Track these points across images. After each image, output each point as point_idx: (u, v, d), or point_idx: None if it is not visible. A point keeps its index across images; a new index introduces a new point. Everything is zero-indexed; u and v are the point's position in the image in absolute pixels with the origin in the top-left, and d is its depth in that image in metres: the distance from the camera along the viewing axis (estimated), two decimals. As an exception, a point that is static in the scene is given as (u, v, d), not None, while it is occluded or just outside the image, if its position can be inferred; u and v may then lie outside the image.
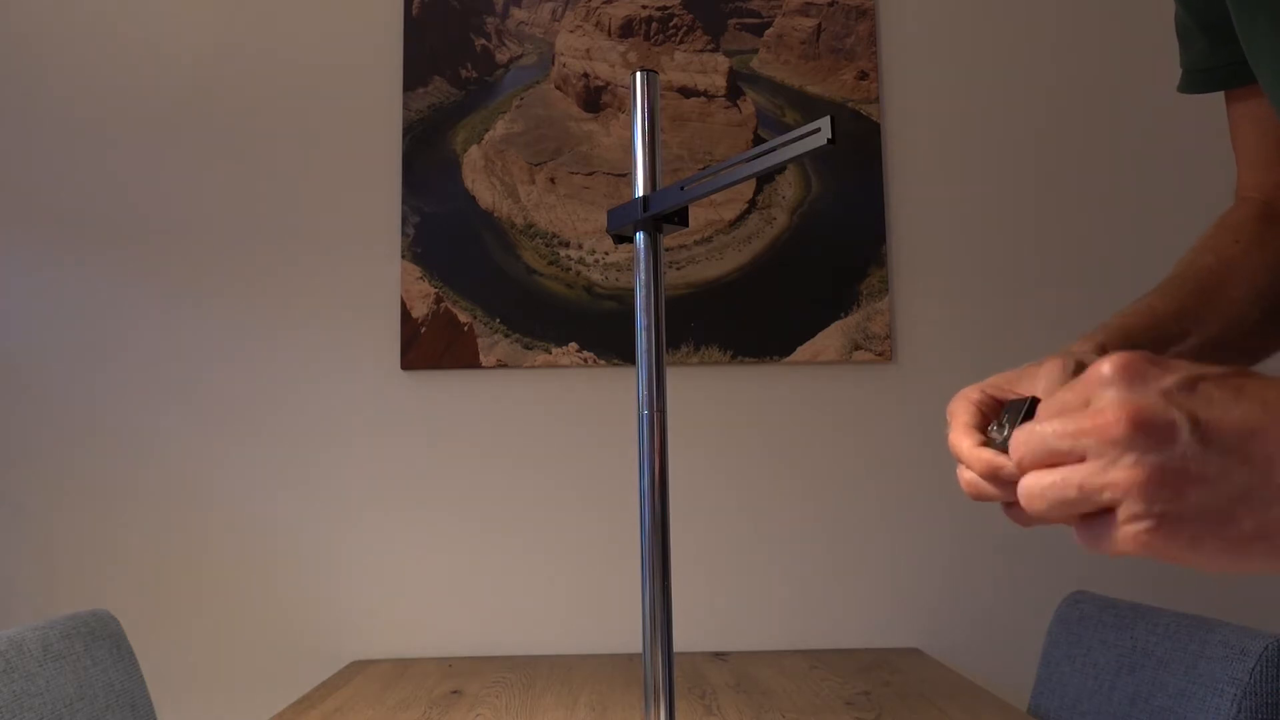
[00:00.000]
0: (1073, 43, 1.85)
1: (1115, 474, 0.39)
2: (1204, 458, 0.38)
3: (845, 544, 1.76)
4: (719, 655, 1.66)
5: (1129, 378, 0.40)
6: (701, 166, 1.81)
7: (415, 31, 1.84)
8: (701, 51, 1.83)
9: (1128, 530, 0.39)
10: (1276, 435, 0.38)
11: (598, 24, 1.84)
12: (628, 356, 1.76)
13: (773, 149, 0.69)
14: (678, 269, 1.79)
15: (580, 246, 1.80)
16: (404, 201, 1.80)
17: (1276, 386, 0.39)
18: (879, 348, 1.77)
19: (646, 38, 1.84)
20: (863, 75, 1.82)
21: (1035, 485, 0.41)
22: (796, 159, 0.69)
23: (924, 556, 1.75)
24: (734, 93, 1.83)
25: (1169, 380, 0.40)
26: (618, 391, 1.78)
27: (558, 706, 1.30)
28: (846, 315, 1.78)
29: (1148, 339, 0.66)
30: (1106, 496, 0.39)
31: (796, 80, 1.83)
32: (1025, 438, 0.42)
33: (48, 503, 1.76)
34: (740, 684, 1.42)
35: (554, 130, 1.82)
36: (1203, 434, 0.38)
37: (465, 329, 1.78)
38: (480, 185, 1.81)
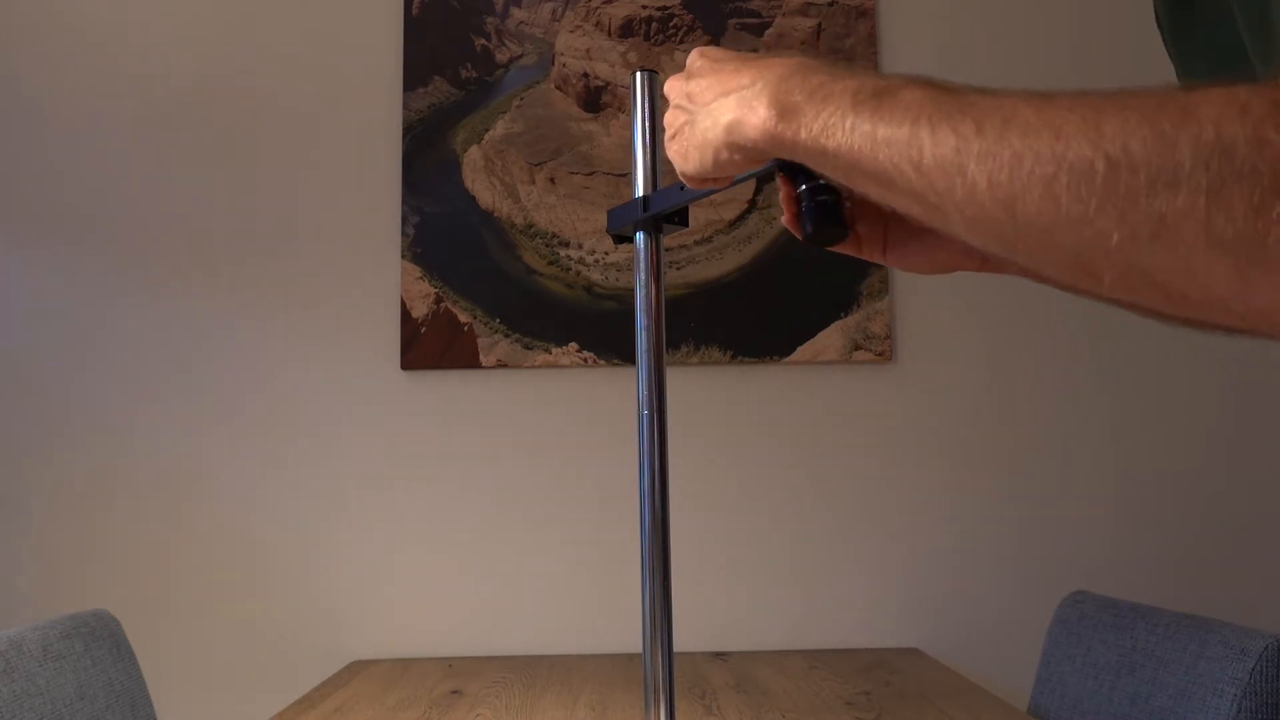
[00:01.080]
0: (1073, 43, 1.85)
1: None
2: (682, 114, 0.62)
3: (845, 544, 1.76)
4: (719, 655, 1.66)
5: (671, 82, 0.65)
6: (701, 166, 1.81)
7: (415, 31, 1.84)
8: (701, 51, 1.83)
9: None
10: (708, 88, 0.59)
11: (598, 24, 1.84)
12: (628, 356, 1.76)
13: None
14: (678, 269, 1.79)
15: (580, 246, 1.80)
16: (404, 201, 1.80)
17: (745, 63, 0.58)
18: (879, 348, 1.77)
19: (646, 38, 1.84)
20: (863, 75, 1.82)
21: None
22: (794, 163, 0.69)
23: (924, 556, 1.75)
24: (734, 93, 1.82)
25: (682, 83, 0.63)
26: (618, 391, 1.78)
27: (558, 706, 1.30)
28: (846, 315, 1.78)
29: None
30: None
31: (796, 80, 1.83)
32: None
33: (48, 503, 1.76)
34: (740, 684, 1.42)
35: (554, 130, 1.82)
36: (688, 104, 0.61)
37: (465, 329, 1.78)
38: (480, 185, 1.81)
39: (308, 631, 1.74)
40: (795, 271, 1.78)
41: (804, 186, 0.68)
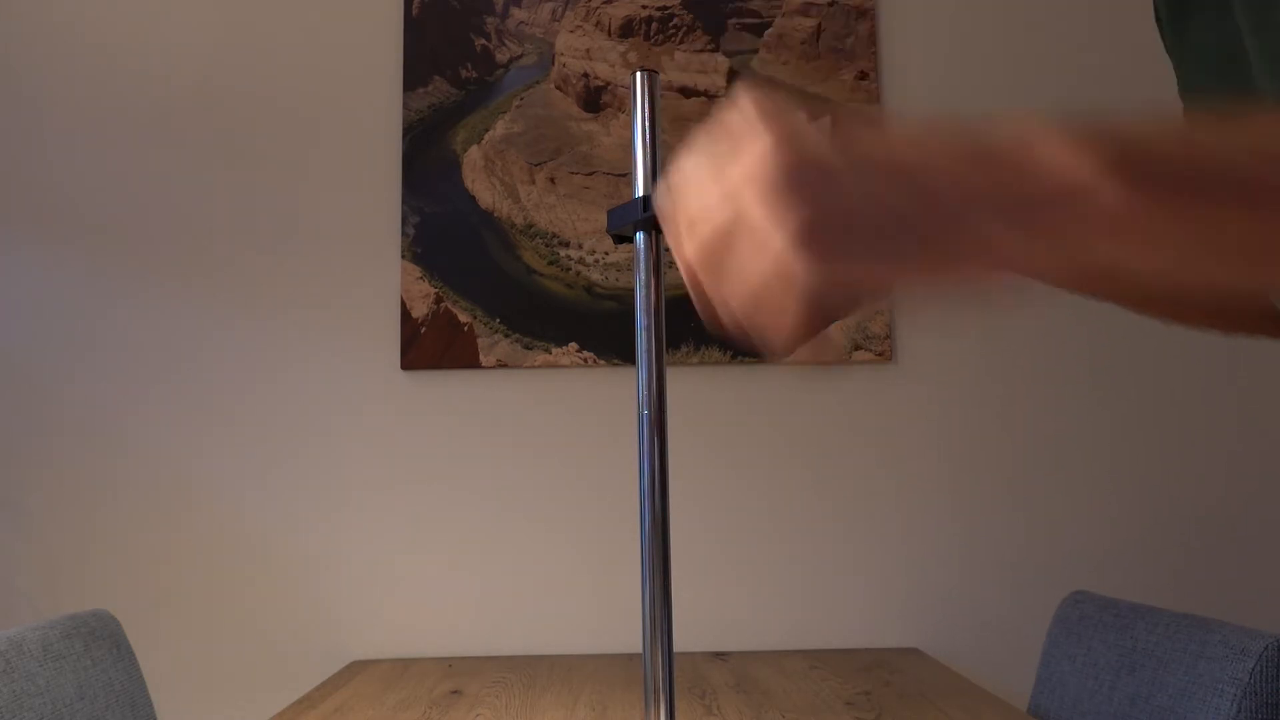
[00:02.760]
0: (1074, 43, 1.85)
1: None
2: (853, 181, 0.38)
3: (845, 544, 1.76)
4: (719, 655, 1.66)
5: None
6: (701, 166, 1.81)
7: (415, 31, 1.84)
8: (701, 51, 1.83)
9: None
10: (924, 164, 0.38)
11: (598, 24, 1.84)
12: (628, 356, 1.77)
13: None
14: (678, 269, 1.79)
15: (580, 246, 1.80)
16: (404, 201, 1.80)
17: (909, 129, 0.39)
18: (879, 348, 1.77)
19: (646, 38, 1.84)
20: (863, 75, 1.82)
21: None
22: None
23: (924, 556, 1.75)
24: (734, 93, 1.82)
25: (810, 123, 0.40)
26: (618, 391, 1.78)
27: (558, 706, 1.30)
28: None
29: None
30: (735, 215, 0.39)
31: (796, 80, 1.83)
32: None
33: (48, 503, 1.76)
34: (740, 684, 1.42)
35: (554, 130, 1.82)
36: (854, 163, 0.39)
37: (465, 329, 1.78)
38: (480, 185, 1.81)
39: (308, 631, 1.74)
40: (795, 271, 1.78)
41: None
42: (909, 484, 1.77)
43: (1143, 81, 1.84)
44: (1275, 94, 0.64)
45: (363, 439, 1.77)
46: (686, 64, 1.83)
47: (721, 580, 1.75)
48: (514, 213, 1.80)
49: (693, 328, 1.77)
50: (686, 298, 1.78)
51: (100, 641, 1.25)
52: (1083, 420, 1.78)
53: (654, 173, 0.83)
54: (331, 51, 1.85)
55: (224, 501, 1.77)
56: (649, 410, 0.81)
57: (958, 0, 1.86)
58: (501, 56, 1.84)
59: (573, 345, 1.77)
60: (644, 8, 1.84)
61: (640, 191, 0.83)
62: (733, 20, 1.84)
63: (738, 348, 1.77)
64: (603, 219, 1.80)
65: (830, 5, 1.84)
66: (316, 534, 1.76)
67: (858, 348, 1.77)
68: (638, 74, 0.84)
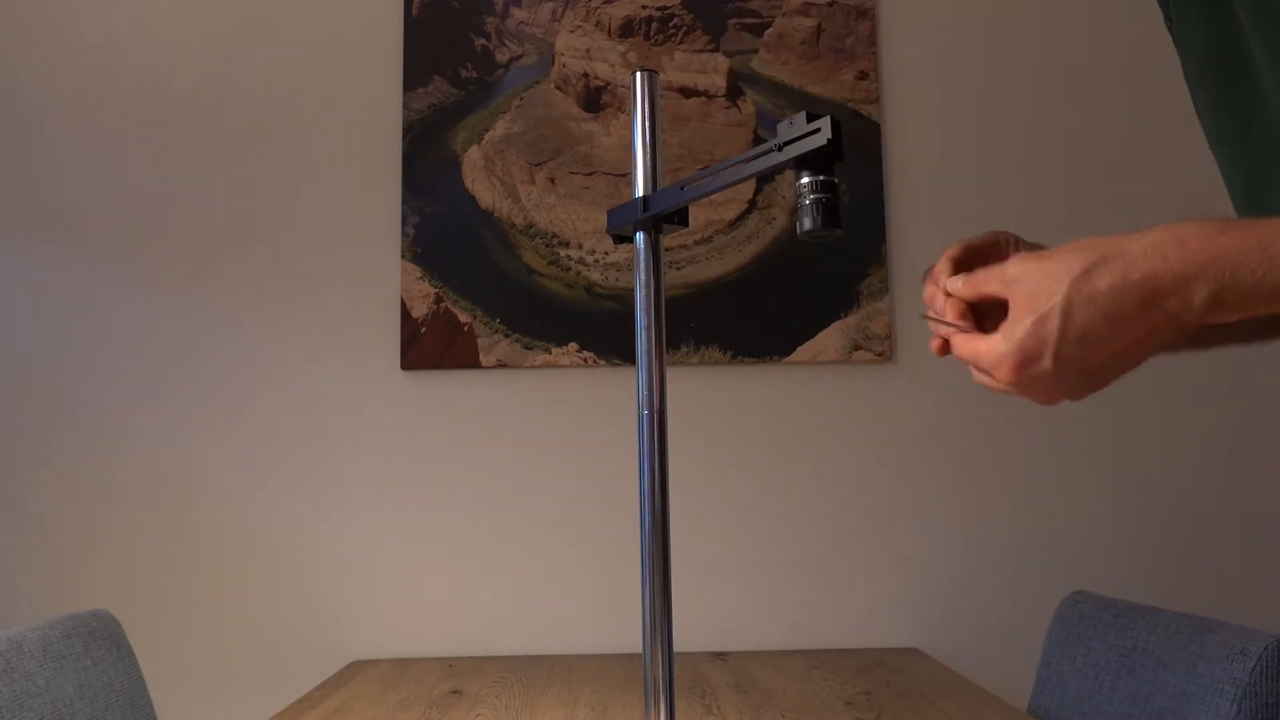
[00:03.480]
0: (1074, 42, 1.85)
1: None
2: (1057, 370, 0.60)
3: (845, 544, 1.76)
4: (719, 655, 1.66)
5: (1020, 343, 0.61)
6: (702, 166, 1.81)
7: (415, 31, 1.84)
8: (701, 51, 1.83)
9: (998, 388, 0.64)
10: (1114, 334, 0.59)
11: (598, 24, 1.84)
12: (628, 356, 1.77)
13: (772, 149, 0.70)
14: (678, 269, 1.79)
15: (580, 246, 1.80)
16: (404, 201, 1.80)
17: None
18: (879, 348, 1.77)
19: (646, 38, 1.84)
20: (863, 75, 1.82)
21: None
22: (796, 159, 0.69)
23: (924, 556, 1.75)
24: (734, 93, 1.83)
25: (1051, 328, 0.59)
26: (618, 391, 1.78)
27: (558, 706, 1.30)
28: (846, 315, 1.77)
29: None
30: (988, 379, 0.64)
31: (796, 80, 1.83)
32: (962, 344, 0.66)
33: (48, 503, 1.76)
34: (740, 684, 1.42)
35: (554, 130, 1.82)
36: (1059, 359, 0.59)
37: (465, 329, 1.78)
38: (480, 185, 1.81)
39: (308, 631, 1.74)
40: (795, 271, 1.78)
41: (804, 180, 0.68)
42: (909, 484, 1.77)
43: (1142, 80, 1.84)
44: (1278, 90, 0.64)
45: (363, 439, 1.77)
46: (686, 64, 1.83)
47: (721, 580, 1.75)
48: (514, 213, 1.80)
49: (693, 328, 1.77)
50: (686, 298, 1.78)
51: (100, 641, 1.25)
52: (1083, 420, 1.78)
53: (654, 173, 0.83)
54: (331, 51, 1.85)
55: (224, 501, 1.77)
56: (649, 410, 0.81)
57: (958, 0, 1.86)
58: (501, 56, 1.84)
59: (573, 345, 1.77)
60: (644, 8, 1.84)
61: (640, 191, 0.83)
62: (733, 20, 1.84)
63: (739, 348, 1.77)
64: (603, 219, 1.80)
65: (830, 5, 1.84)
66: (317, 534, 1.76)
67: (858, 348, 1.77)
68: (638, 74, 0.84)
